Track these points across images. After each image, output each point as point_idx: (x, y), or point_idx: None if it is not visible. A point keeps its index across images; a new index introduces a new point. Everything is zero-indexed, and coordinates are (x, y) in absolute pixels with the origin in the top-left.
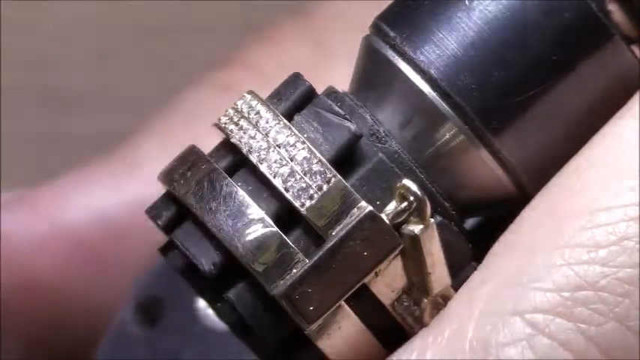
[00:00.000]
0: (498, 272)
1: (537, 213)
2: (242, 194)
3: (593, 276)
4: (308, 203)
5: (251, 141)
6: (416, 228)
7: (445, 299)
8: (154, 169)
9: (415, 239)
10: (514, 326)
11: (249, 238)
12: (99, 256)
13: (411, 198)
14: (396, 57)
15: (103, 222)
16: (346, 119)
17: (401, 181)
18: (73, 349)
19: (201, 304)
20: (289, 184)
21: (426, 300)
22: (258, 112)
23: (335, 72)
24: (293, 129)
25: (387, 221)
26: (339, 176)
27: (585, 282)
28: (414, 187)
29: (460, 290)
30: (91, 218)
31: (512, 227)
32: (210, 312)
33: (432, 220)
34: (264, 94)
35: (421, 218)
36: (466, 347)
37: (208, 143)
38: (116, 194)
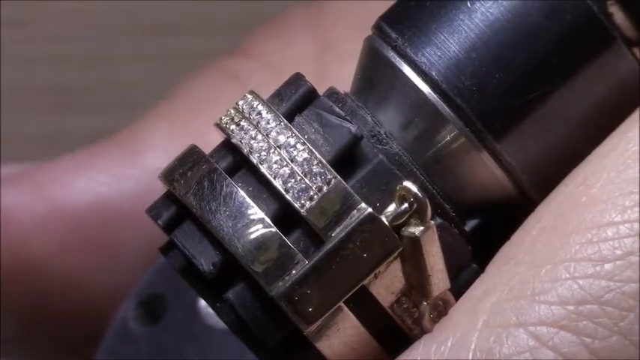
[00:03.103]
0: (502, 283)
1: (542, 225)
2: (242, 195)
3: (598, 290)
4: (308, 204)
5: (252, 141)
6: (416, 230)
7: (444, 303)
8: (159, 157)
9: (415, 241)
10: (518, 338)
11: (249, 238)
12: (98, 241)
13: (412, 200)
14: (398, 58)
15: (103, 208)
16: (347, 120)
17: (401, 183)
18: (70, 333)
19: (203, 302)
20: (289, 185)
21: (425, 303)
22: (259, 113)
23: (343, 69)
24: (294, 130)
25: (387, 223)
26: (339, 177)
27: (590, 296)
28: (414, 188)
29: (462, 298)
30: (90, 203)
31: (516, 237)
32: (211, 311)
33: (432, 222)
34: (274, 86)
35: (421, 220)
36: (469, 358)
37: (215, 132)
38: (118, 181)
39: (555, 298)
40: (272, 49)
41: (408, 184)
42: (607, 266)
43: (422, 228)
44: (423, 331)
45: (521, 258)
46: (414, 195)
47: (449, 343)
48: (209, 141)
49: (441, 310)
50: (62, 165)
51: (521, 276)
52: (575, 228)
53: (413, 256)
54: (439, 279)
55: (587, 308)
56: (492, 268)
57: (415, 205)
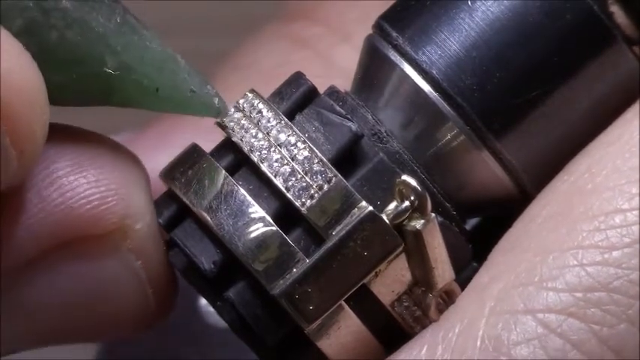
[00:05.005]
0: (509, 270)
1: (547, 212)
2: (243, 193)
3: (606, 277)
4: (309, 203)
5: (252, 140)
6: (417, 223)
7: (449, 294)
8: None
9: (417, 235)
10: (526, 325)
11: (250, 237)
12: None
13: (412, 197)
14: (398, 57)
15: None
16: (347, 119)
17: (400, 177)
18: None
19: (203, 301)
20: (290, 183)
21: (431, 295)
22: (259, 111)
23: None
24: (294, 128)
25: (388, 221)
26: (339, 176)
27: (598, 283)
28: (413, 182)
29: (468, 287)
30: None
31: (520, 225)
32: (211, 310)
33: (433, 214)
34: (343, 51)
35: (422, 213)
36: (477, 344)
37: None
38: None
39: (563, 285)
40: (340, 12)
41: (406, 177)
42: (615, 254)
43: (423, 221)
44: (430, 323)
45: (527, 245)
46: (413, 189)
47: (456, 330)
48: None
49: (447, 302)
50: (146, 139)
51: (528, 263)
52: (581, 215)
53: (416, 250)
54: (443, 270)
55: (595, 295)
56: (496, 255)
57: (416, 202)
